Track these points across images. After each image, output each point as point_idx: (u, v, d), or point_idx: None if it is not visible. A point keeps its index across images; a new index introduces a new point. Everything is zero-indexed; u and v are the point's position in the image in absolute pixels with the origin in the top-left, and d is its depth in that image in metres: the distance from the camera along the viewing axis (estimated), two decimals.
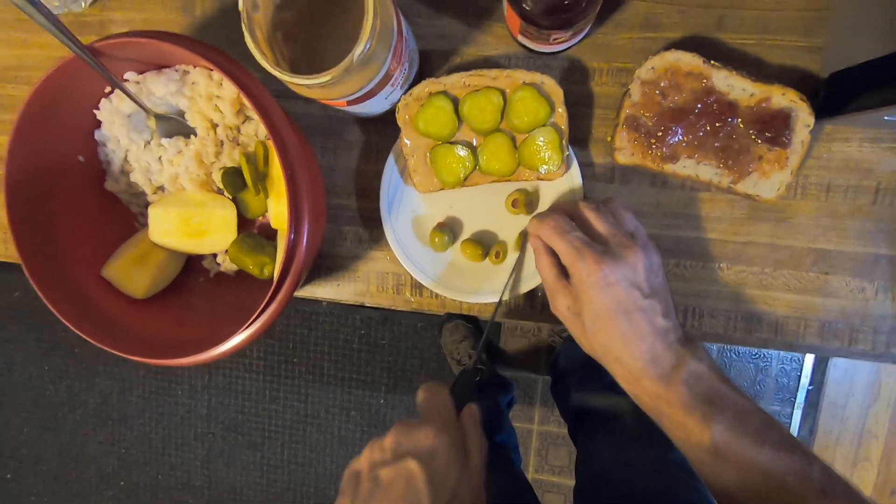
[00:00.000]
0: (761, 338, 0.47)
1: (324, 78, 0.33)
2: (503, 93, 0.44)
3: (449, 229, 0.48)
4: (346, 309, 1.45)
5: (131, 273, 0.48)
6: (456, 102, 0.44)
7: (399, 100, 0.44)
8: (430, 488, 0.32)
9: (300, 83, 0.33)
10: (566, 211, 0.40)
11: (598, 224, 0.37)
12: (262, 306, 0.40)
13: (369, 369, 1.47)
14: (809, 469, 0.31)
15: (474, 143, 0.45)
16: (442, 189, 0.46)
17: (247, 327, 0.40)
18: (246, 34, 0.33)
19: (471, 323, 1.34)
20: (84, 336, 0.42)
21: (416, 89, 0.44)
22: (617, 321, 0.35)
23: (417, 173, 0.46)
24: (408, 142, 0.45)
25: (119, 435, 1.61)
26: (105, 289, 0.47)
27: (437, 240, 0.47)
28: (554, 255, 0.38)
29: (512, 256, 0.47)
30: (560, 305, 0.37)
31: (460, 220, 0.49)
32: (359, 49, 0.32)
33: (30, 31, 0.53)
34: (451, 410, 0.38)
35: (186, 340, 0.46)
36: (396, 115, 0.45)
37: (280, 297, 0.41)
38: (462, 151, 0.45)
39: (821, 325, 0.46)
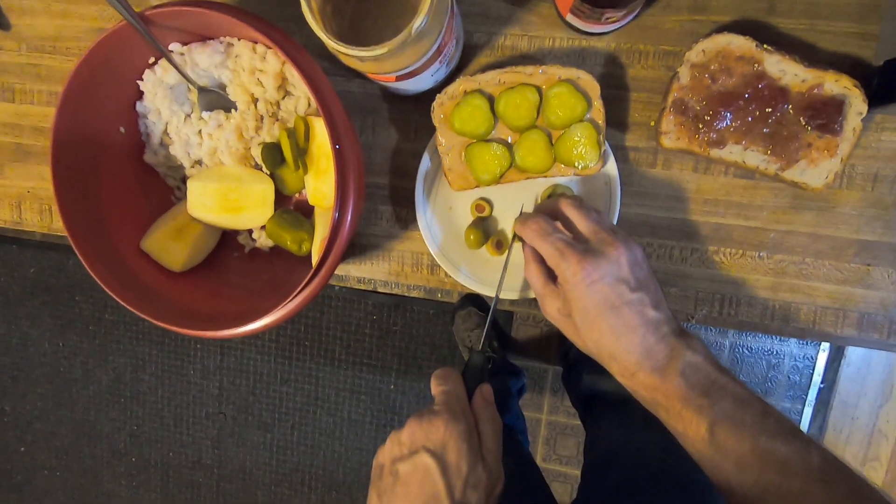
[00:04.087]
0: (798, 328, 0.47)
1: (380, 50, 0.33)
2: (539, 89, 0.43)
3: (483, 227, 0.48)
4: (359, 294, 1.45)
5: (169, 246, 0.48)
6: (491, 100, 0.44)
7: (443, 78, 0.44)
8: (444, 479, 0.33)
9: (356, 55, 0.33)
10: (549, 210, 0.40)
11: (580, 222, 0.38)
12: (304, 282, 0.40)
13: (380, 354, 1.48)
14: (809, 457, 0.31)
15: (509, 141, 0.45)
16: (477, 187, 0.46)
17: (289, 302, 0.41)
18: (303, 5, 0.33)
19: (483, 311, 1.34)
20: (127, 306, 0.42)
21: (451, 88, 0.43)
22: (606, 317, 0.35)
23: (452, 172, 0.45)
24: (442, 140, 0.45)
25: (131, 412, 1.63)
26: (144, 261, 0.48)
27: (472, 237, 0.47)
28: (542, 261, 0.38)
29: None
30: (550, 309, 0.38)
31: (495, 217, 0.49)
32: (417, 21, 0.32)
33: (69, 2, 0.53)
34: (462, 396, 0.38)
35: (223, 313, 0.46)
36: (431, 114, 0.44)
37: (322, 273, 0.41)
38: (498, 149, 0.44)
39: (860, 316, 0.46)
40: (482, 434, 0.37)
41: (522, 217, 0.40)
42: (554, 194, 0.46)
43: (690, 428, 0.33)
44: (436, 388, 0.39)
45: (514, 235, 0.45)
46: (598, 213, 0.39)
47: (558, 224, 0.40)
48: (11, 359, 1.66)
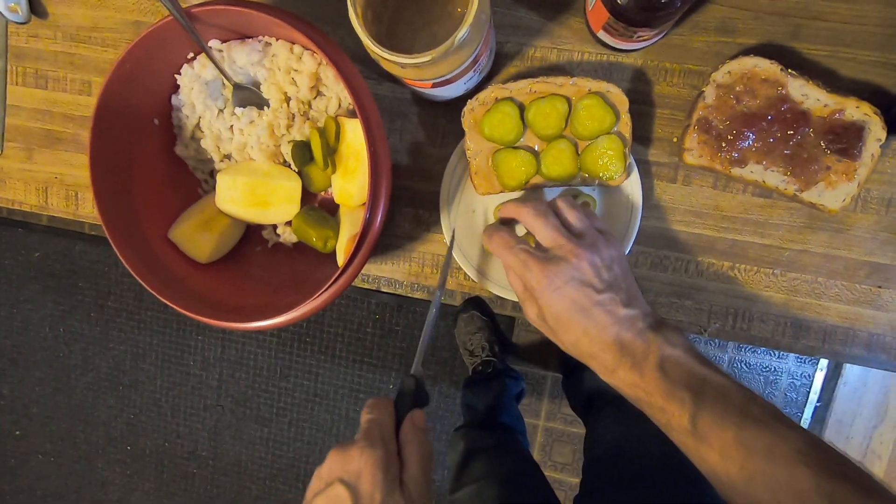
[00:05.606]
0: (808, 345, 0.48)
1: (424, 58, 0.34)
2: (568, 100, 0.44)
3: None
4: (362, 293, 1.46)
5: (196, 237, 0.49)
6: (521, 108, 0.45)
7: (474, 86, 0.45)
8: None
9: (399, 61, 0.34)
10: (508, 216, 0.41)
11: (539, 230, 0.39)
12: (334, 277, 0.41)
13: (381, 353, 1.49)
14: (793, 441, 0.31)
15: (537, 149, 0.46)
16: (502, 192, 0.47)
17: (317, 297, 0.42)
18: (351, 11, 0.34)
19: (486, 315, 1.35)
20: (155, 293, 0.43)
21: (483, 94, 0.45)
22: (577, 319, 0.36)
23: (478, 176, 0.47)
24: (471, 145, 0.46)
25: (129, 400, 1.63)
26: (170, 250, 0.48)
27: None
28: None
29: None
30: (530, 314, 0.39)
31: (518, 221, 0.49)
32: (461, 32, 0.33)
33: None
34: (386, 423, 0.37)
35: (246, 306, 0.47)
36: (462, 118, 0.45)
37: (350, 270, 0.42)
38: (525, 156, 0.45)
39: (869, 336, 0.47)
40: (406, 461, 0.35)
41: (488, 229, 0.40)
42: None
43: (674, 420, 0.34)
44: (362, 417, 0.37)
45: (452, 237, 0.46)
46: (566, 215, 0.39)
47: (524, 232, 0.40)
48: (12, 342, 1.66)
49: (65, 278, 1.59)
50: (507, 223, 0.44)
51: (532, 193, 0.48)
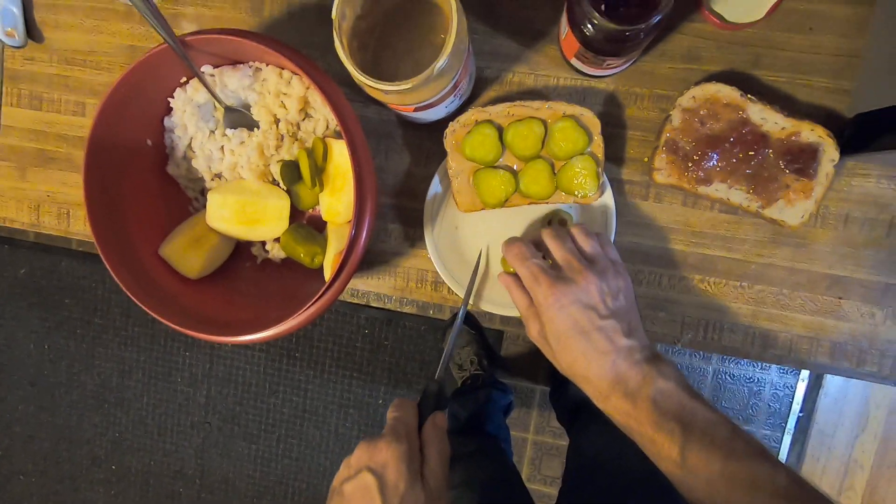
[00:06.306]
0: (776, 354, 0.50)
1: (405, 86, 0.36)
2: (545, 123, 0.47)
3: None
4: (352, 307, 1.47)
5: (187, 254, 0.50)
6: (500, 130, 0.47)
7: (455, 109, 0.48)
8: (382, 496, 0.35)
9: (382, 88, 0.36)
10: (532, 238, 0.44)
11: (556, 251, 0.41)
12: (321, 292, 0.42)
13: (370, 368, 1.49)
14: (776, 477, 0.32)
15: (515, 168, 0.48)
16: (483, 209, 0.49)
17: (304, 311, 0.43)
18: (337, 42, 0.36)
19: (474, 329, 1.36)
20: (148, 310, 0.44)
21: (463, 117, 0.47)
22: (576, 340, 0.37)
23: (460, 194, 0.49)
24: (453, 165, 0.48)
25: (115, 418, 1.61)
26: (161, 267, 0.50)
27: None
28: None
29: None
30: (532, 330, 0.40)
31: (499, 237, 0.52)
32: (440, 62, 0.36)
33: (101, 19, 0.56)
34: (410, 422, 0.39)
35: (235, 320, 0.49)
36: (444, 140, 0.48)
37: (336, 285, 0.43)
38: (504, 175, 0.48)
39: (832, 345, 0.49)
40: (427, 457, 0.38)
41: (509, 240, 0.43)
42: (554, 219, 0.50)
43: (663, 451, 0.35)
44: (388, 415, 0.40)
45: (480, 252, 0.49)
46: (582, 241, 0.41)
47: (539, 252, 0.43)
48: None
49: (51, 295, 1.58)
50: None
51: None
